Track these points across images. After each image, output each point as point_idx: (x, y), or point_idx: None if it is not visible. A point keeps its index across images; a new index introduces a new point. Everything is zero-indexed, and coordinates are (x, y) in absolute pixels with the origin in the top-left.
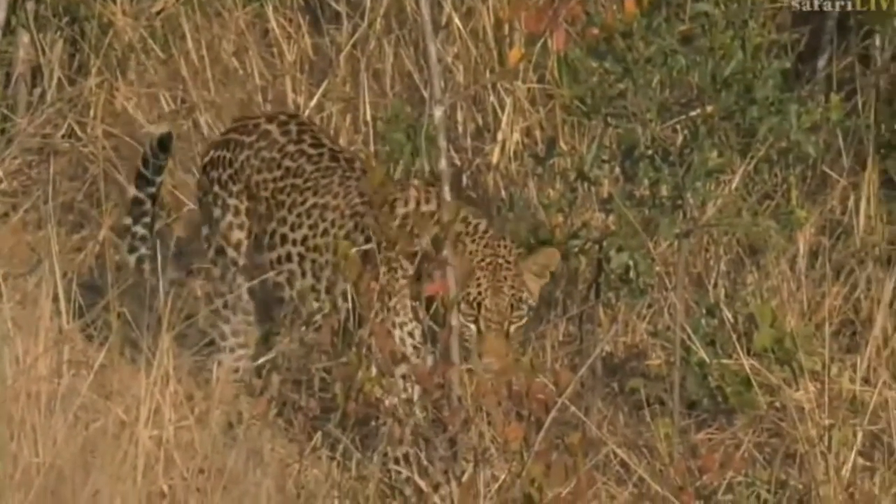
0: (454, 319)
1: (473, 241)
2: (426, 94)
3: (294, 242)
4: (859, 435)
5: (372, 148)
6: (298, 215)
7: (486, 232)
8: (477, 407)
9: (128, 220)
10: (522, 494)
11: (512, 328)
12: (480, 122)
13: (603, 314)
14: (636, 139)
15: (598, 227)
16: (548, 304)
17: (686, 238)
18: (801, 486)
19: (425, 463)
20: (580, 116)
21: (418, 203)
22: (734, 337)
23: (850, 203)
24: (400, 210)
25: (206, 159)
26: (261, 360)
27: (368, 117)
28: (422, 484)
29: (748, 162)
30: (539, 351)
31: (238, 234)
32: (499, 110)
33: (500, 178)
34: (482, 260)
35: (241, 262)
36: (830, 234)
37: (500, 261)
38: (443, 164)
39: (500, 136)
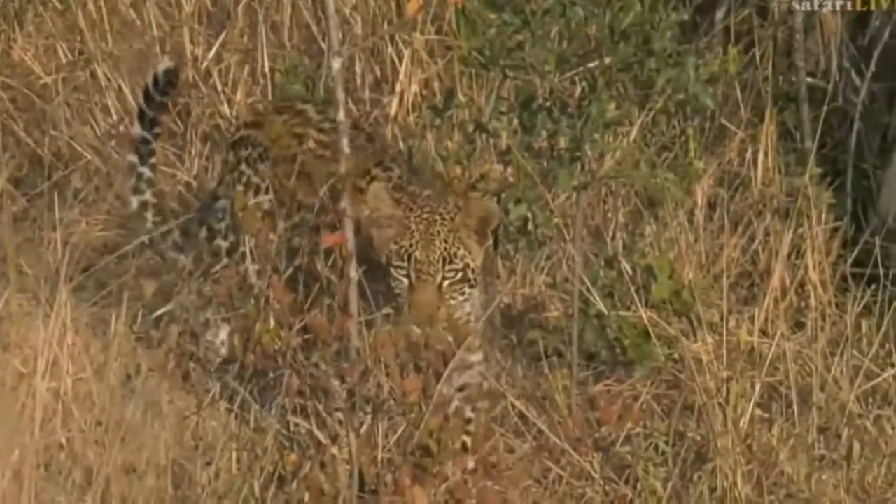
0: (352, 271)
1: (414, 202)
2: (324, 46)
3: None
4: (757, 387)
5: (270, 100)
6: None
7: (428, 197)
8: (375, 358)
9: (133, 159)
10: (420, 446)
11: (445, 283)
12: (379, 73)
13: (501, 266)
14: (534, 91)
15: (496, 179)
16: None
17: (584, 190)
18: (699, 438)
19: (324, 415)
20: (478, 68)
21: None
22: (632, 289)
23: (748, 155)
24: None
25: (236, 137)
26: (159, 312)
27: (267, 69)
28: (320, 436)
29: (646, 114)
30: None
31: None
32: (397, 62)
33: (398, 129)
34: (418, 215)
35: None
36: (728, 186)
37: (436, 217)
38: (341, 115)
39: (398, 88)
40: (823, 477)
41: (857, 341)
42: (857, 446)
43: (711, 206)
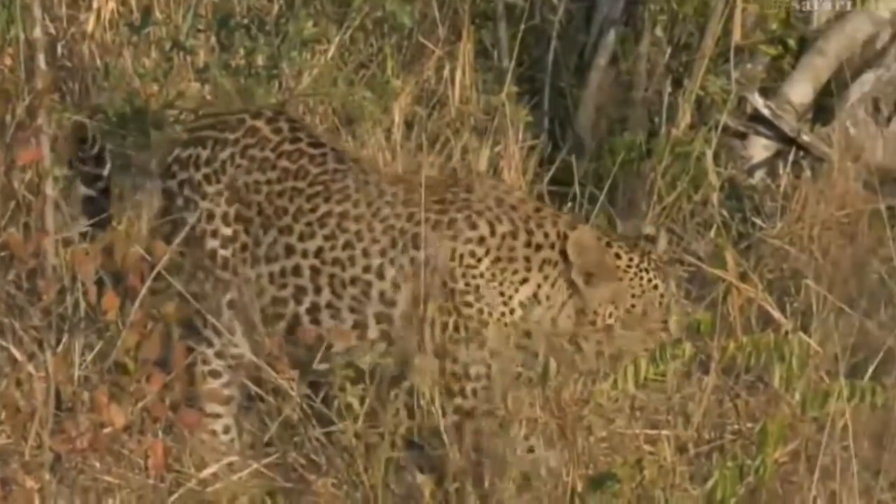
0: (49, 188)
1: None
2: None
3: (304, 254)
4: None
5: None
6: (308, 224)
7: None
8: (72, 277)
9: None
10: (117, 364)
11: None
12: None
13: None
14: (232, 8)
15: (193, 97)
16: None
17: (282, 107)
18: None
19: (20, 333)
20: None
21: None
22: None
23: (446, 73)
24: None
25: (171, 159)
26: None
27: None
28: (16, 353)
29: (344, 31)
30: (135, 220)
31: (215, 243)
32: None
33: (95, 47)
34: (637, 264)
35: (226, 275)
36: (426, 104)
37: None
38: (37, 32)
39: (95, 5)
40: (520, 394)
41: None
42: (553, 364)
43: (409, 124)
